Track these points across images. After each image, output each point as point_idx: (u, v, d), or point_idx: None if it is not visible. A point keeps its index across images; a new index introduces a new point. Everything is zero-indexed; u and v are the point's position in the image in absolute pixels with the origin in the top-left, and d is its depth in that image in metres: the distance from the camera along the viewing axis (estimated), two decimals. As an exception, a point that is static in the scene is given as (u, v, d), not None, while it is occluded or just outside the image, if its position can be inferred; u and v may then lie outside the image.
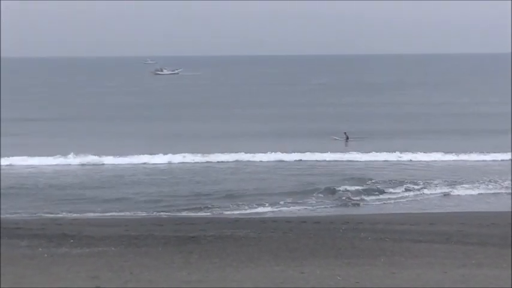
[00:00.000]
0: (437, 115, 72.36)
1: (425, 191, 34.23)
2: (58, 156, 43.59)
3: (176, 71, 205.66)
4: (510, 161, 42.05)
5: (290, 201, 32.19)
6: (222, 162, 43.45)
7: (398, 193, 33.86)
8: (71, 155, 43.59)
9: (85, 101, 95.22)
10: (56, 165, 42.50)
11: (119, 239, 20.75)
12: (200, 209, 30.77)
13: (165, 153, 44.45)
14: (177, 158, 43.94)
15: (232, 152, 45.05)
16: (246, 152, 45.11)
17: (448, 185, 35.28)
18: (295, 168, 41.77)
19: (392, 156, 44.54)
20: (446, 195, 33.81)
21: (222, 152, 45.04)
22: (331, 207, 31.72)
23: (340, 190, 34.05)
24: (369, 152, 45.84)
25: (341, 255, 18.00)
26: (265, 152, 45.33)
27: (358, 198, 32.87)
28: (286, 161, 43.91)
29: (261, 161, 43.86)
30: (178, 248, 19.28)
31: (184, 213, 30.27)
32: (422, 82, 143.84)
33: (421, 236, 21.53)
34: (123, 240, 20.54)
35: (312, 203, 32.09)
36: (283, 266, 16.53)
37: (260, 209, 30.79)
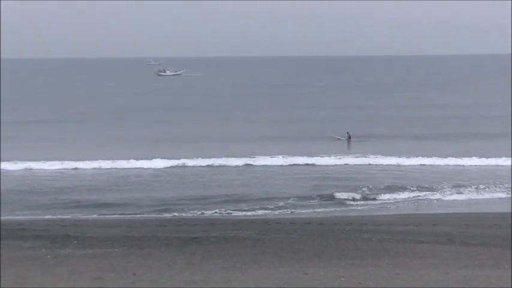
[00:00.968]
0: (442, 118, 71.81)
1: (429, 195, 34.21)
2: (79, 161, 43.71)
3: (179, 72, 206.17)
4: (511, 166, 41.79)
5: (294, 203, 32.26)
6: (225, 166, 43.24)
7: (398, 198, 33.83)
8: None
9: (86, 104, 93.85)
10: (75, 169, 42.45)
11: (122, 240, 20.76)
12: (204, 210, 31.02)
13: (163, 157, 44.39)
14: (174, 163, 43.71)
15: (236, 156, 44.99)
16: (250, 156, 45.16)
17: (456, 189, 35.34)
18: (300, 172, 41.52)
19: (392, 160, 44.29)
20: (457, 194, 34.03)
21: (227, 156, 44.97)
22: (334, 209, 31.79)
23: (342, 194, 34.14)
24: (369, 155, 45.77)
25: (345, 256, 17.99)
26: (268, 155, 45.16)
27: (359, 202, 33.00)
28: (288, 165, 43.50)
29: (265, 165, 43.58)
30: (181, 249, 19.28)
31: (186, 214, 30.32)
32: (425, 84, 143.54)
33: (424, 237, 21.52)
34: (126, 242, 20.55)
35: (315, 205, 32.18)
36: (287, 267, 16.51)
37: (263, 211, 30.85)
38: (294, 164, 43.60)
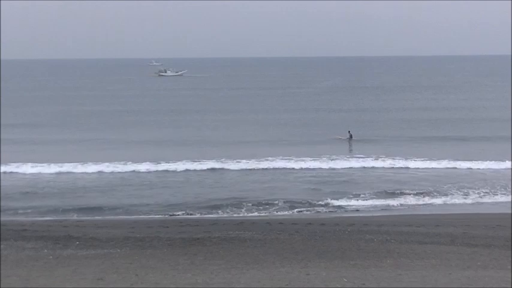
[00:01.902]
0: (449, 120, 71.68)
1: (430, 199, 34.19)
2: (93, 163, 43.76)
3: (180, 73, 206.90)
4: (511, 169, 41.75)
5: (296, 205, 32.28)
6: (228, 170, 43.18)
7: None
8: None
9: (81, 106, 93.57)
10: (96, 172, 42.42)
11: (124, 241, 20.78)
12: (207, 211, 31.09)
13: (168, 161, 44.50)
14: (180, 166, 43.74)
15: (239, 159, 44.98)
16: (251, 159, 45.13)
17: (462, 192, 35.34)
18: (303, 175, 41.46)
19: (387, 163, 44.23)
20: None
21: (233, 159, 44.93)
22: (335, 210, 31.82)
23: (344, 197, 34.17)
24: (372, 157, 45.79)
25: (347, 257, 17.98)
26: (268, 158, 45.06)
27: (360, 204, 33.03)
28: (290, 168, 43.48)
29: (266, 168, 43.48)
30: (183, 249, 19.28)
31: (189, 215, 30.40)
32: (427, 85, 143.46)
33: (427, 238, 21.51)
34: (128, 242, 20.56)
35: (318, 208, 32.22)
36: (288, 268, 16.51)
37: (266, 212, 30.88)
38: (291, 168, 43.39)
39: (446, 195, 34.89)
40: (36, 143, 55.73)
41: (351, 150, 50.67)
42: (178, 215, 30.86)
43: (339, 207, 32.66)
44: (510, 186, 36.28)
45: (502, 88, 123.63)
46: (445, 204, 33.55)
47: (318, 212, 31.59)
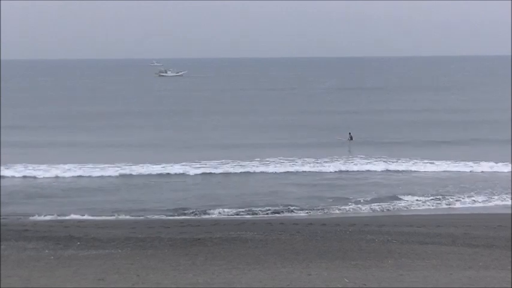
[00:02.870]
0: (450, 122, 71.38)
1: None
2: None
3: (180, 73, 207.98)
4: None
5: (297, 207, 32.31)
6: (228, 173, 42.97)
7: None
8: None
9: (77, 107, 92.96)
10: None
11: (126, 241, 20.78)
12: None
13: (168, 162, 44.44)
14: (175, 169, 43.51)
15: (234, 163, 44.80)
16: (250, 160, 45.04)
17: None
18: (305, 178, 41.27)
19: (381, 166, 44.07)
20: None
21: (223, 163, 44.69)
22: (336, 210, 31.84)
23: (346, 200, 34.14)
24: (371, 159, 45.72)
25: (348, 257, 17.97)
26: (264, 164, 44.68)
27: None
28: (293, 172, 43.06)
29: (262, 172, 43.08)
30: (184, 250, 19.28)
31: (190, 216, 30.40)
32: (430, 86, 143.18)
33: (428, 238, 21.50)
34: (129, 243, 20.56)
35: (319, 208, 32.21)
36: (290, 268, 16.51)
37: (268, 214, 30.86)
38: (287, 172, 43.10)
39: (448, 198, 34.78)
40: (36, 145, 55.59)
41: (349, 151, 50.37)
42: (178, 215, 30.85)
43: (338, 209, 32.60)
44: (511, 187, 36.26)
45: (502, 89, 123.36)
46: (446, 206, 33.49)
47: (318, 212, 31.57)
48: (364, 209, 32.62)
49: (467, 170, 43.19)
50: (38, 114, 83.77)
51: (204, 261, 17.58)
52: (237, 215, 30.83)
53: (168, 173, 41.95)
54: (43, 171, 41.77)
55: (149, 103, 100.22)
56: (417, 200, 34.23)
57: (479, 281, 15.36)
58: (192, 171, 42.37)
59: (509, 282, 15.27)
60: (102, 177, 40.90)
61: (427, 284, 14.97)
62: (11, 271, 16.20)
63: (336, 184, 39.07)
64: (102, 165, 43.37)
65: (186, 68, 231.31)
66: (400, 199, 34.41)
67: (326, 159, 45.90)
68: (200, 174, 41.94)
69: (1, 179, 39.90)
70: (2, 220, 27.89)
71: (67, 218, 29.50)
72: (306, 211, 31.66)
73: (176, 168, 42.89)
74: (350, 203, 33.41)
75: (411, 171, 43.12)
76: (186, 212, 31.48)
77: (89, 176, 41.00)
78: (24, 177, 41.08)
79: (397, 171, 43.01)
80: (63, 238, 21.40)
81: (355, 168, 43.65)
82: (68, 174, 41.41)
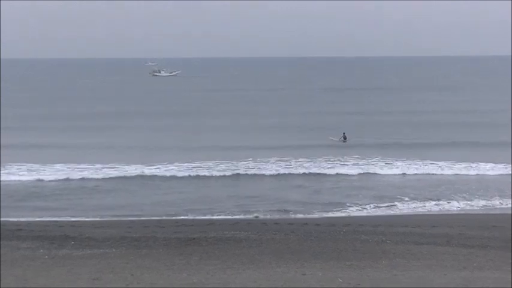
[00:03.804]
0: (450, 123, 70.97)
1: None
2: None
3: (174, 73, 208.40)
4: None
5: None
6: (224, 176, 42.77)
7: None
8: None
9: (72, 109, 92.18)
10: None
11: (120, 241, 20.76)
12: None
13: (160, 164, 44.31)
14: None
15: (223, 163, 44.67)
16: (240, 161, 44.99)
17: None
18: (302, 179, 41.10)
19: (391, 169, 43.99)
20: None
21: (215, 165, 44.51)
22: (331, 210, 31.81)
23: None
24: (365, 159, 45.64)
25: (342, 258, 17.98)
26: (257, 167, 44.40)
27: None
28: (290, 174, 42.70)
29: (254, 174, 42.85)
30: (179, 249, 19.27)
31: (184, 216, 30.37)
32: (431, 86, 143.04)
33: (423, 239, 21.51)
34: (124, 242, 20.55)
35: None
36: (284, 268, 16.51)
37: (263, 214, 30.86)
38: (287, 173, 42.94)
39: (444, 200, 34.72)
40: (34, 146, 55.37)
41: (343, 152, 49.78)
42: (172, 215, 30.83)
43: (334, 205, 32.56)
44: (511, 188, 36.27)
45: (503, 89, 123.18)
46: (442, 208, 33.45)
47: (314, 211, 31.52)
48: (359, 209, 32.59)
49: (466, 171, 43.11)
50: (25, 114, 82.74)
51: (199, 260, 17.57)
52: (232, 215, 30.81)
53: (164, 175, 41.86)
54: (36, 173, 41.70)
55: (141, 103, 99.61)
56: (413, 201, 34.24)
57: (474, 281, 15.38)
58: (185, 172, 42.31)
59: (505, 283, 15.29)
60: (96, 178, 40.79)
61: (421, 285, 14.99)
62: (5, 271, 16.18)
63: (330, 185, 38.93)
64: (97, 166, 43.34)
65: (181, 68, 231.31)
66: (395, 200, 34.38)
67: (320, 159, 45.79)
68: (194, 176, 41.84)
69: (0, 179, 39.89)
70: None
71: (61, 217, 29.45)
72: (301, 212, 31.60)
73: (170, 169, 42.84)
74: (345, 204, 33.32)
75: (407, 172, 43.02)
76: (180, 212, 31.46)
77: (82, 178, 40.83)
78: (22, 177, 41.04)
79: (393, 173, 42.93)
80: (58, 237, 21.38)
81: (349, 169, 43.47)
82: (59, 175, 41.27)
